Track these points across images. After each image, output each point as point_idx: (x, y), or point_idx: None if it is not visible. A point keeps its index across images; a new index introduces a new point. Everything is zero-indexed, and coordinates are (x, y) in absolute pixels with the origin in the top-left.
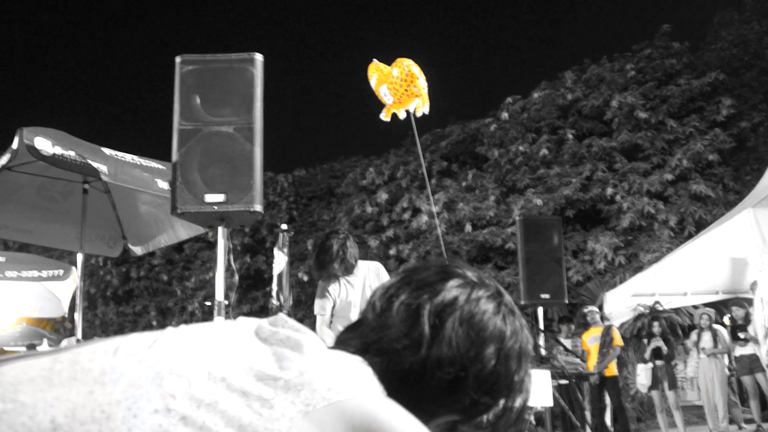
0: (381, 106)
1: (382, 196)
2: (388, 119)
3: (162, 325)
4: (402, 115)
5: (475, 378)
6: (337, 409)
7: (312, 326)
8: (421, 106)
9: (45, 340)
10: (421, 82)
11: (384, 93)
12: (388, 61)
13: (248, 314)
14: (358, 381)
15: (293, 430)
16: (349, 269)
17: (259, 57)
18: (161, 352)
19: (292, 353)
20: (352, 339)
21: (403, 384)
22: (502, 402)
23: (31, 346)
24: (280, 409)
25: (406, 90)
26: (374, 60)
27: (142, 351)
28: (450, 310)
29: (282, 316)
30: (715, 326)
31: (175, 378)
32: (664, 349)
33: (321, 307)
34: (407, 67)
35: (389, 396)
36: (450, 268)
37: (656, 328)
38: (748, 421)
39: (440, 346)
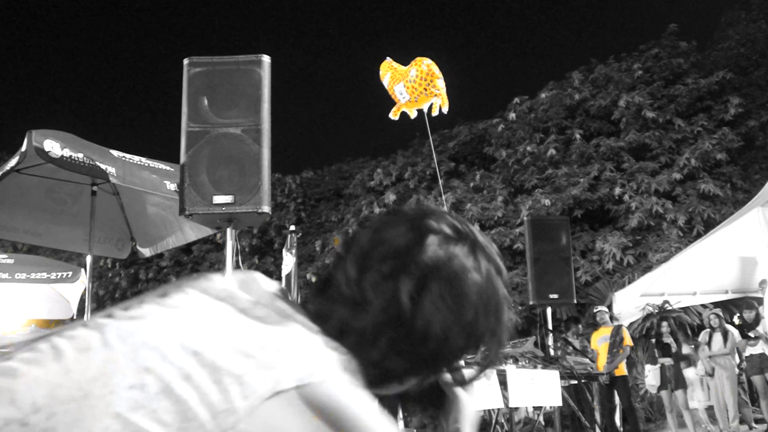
0: (390, 105)
1: (390, 197)
2: (397, 117)
3: None
4: (413, 115)
5: (454, 348)
6: (307, 391)
7: None
8: (441, 104)
9: None
10: (441, 82)
11: (400, 91)
12: (401, 61)
13: None
14: (331, 365)
15: (261, 408)
16: None
17: (266, 59)
18: (136, 326)
19: (267, 329)
20: (329, 312)
21: (381, 360)
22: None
23: None
24: (251, 387)
25: (425, 89)
26: (387, 58)
27: (118, 326)
28: (428, 281)
29: (256, 278)
30: (727, 326)
31: (148, 351)
32: (674, 346)
33: None
34: (427, 66)
35: (367, 370)
36: (423, 222)
37: (665, 327)
38: (759, 421)
39: (421, 322)
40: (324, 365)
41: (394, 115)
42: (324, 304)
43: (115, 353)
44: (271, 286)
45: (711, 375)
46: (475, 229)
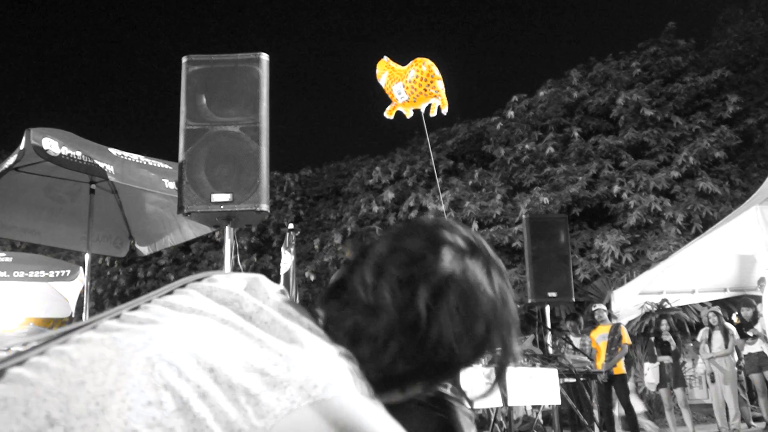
0: (388, 104)
1: (389, 195)
2: (392, 117)
3: None
4: (409, 114)
5: (462, 359)
6: (321, 408)
7: None
8: (441, 106)
9: None
10: (440, 84)
11: (398, 91)
12: (400, 59)
13: None
14: (344, 378)
15: (277, 427)
16: None
17: (265, 57)
18: (148, 334)
19: (278, 343)
20: (343, 319)
21: (390, 365)
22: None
23: None
24: (266, 406)
25: (425, 90)
26: (385, 57)
27: (129, 333)
28: (445, 291)
29: (260, 281)
30: (727, 324)
31: (165, 366)
32: (673, 344)
33: None
34: (427, 67)
35: (373, 376)
36: (439, 233)
37: (664, 326)
38: (757, 419)
39: (435, 331)
40: (338, 379)
41: (388, 114)
42: (337, 309)
43: (130, 366)
44: (274, 288)
45: (713, 380)
46: (485, 243)
